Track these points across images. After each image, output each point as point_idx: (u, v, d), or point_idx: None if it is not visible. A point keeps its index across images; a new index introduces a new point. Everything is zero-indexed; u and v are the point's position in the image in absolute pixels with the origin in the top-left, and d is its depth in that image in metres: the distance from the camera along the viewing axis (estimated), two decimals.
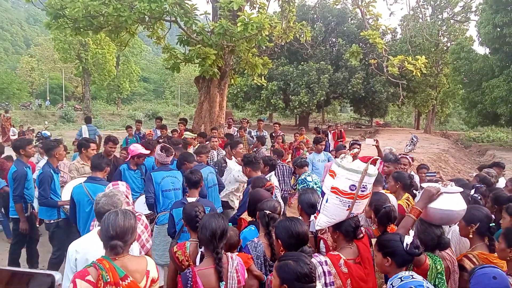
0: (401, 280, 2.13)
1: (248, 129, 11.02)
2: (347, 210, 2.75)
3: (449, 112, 42.41)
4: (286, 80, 31.74)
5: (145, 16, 8.77)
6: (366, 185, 2.75)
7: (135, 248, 2.90)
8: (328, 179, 2.87)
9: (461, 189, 2.87)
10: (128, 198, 3.34)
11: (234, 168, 6.33)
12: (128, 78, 51.04)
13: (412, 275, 2.16)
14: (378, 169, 2.99)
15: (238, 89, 32.68)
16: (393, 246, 2.38)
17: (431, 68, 31.78)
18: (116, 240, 2.30)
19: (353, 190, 2.71)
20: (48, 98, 50.42)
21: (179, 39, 9.89)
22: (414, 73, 10.03)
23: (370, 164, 2.77)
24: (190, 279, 2.48)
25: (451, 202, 2.73)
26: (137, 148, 5.63)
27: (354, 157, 2.94)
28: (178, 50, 10.62)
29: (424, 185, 3.01)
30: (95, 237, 2.78)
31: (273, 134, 10.68)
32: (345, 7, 33.89)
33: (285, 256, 2.18)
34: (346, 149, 7.58)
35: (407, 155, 6.42)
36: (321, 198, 2.90)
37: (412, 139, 19.30)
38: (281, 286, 2.05)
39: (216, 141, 7.83)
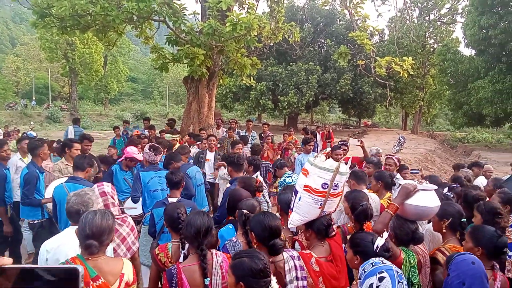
0: (372, 266, 2.23)
1: (237, 130, 11.01)
2: (319, 208, 2.81)
3: (436, 113, 42.97)
4: (275, 81, 31.82)
5: (133, 16, 8.71)
6: (338, 184, 2.82)
7: (109, 249, 2.88)
8: (301, 177, 2.94)
9: (435, 187, 3.00)
10: (113, 198, 3.30)
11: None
12: (116, 78, 50.59)
13: (382, 261, 2.25)
14: (362, 168, 3.05)
15: (227, 90, 32.66)
16: (364, 246, 2.44)
17: (418, 69, 32.17)
18: (92, 239, 2.29)
19: (325, 188, 2.77)
20: (34, 98, 49.74)
21: (167, 39, 9.84)
22: (401, 74, 10.15)
23: (342, 163, 2.85)
24: (175, 275, 2.49)
25: (426, 199, 2.84)
26: (133, 151, 5.67)
27: (328, 156, 3.02)
28: (166, 50, 10.56)
29: (402, 182, 3.08)
30: (67, 236, 2.75)
31: (262, 134, 10.70)
32: (333, 8, 34.12)
33: (238, 254, 2.21)
34: (341, 149, 7.67)
35: (393, 155, 6.50)
36: (294, 197, 2.95)
37: (400, 139, 19.53)
38: (237, 284, 2.05)
39: (206, 142, 7.82)
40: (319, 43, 37.01)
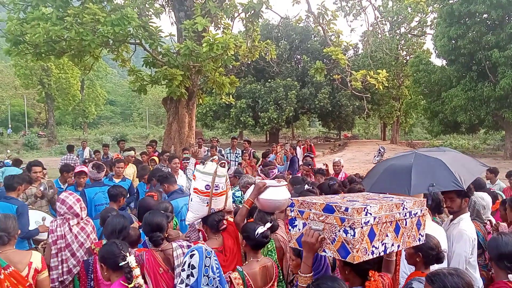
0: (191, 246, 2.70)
1: (218, 148, 11.02)
2: (207, 206, 3.36)
3: (413, 122, 43.84)
4: (255, 98, 32.06)
5: (109, 40, 8.71)
6: (218, 185, 3.40)
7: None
8: (192, 182, 3.52)
9: (285, 183, 3.60)
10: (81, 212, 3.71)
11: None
12: (94, 102, 50.01)
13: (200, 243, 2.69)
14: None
15: (207, 108, 32.70)
16: (249, 232, 2.98)
17: (393, 81, 32.94)
18: (2, 232, 2.92)
19: (208, 189, 3.35)
20: (10, 125, 48.66)
21: (144, 61, 9.85)
22: (376, 87, 10.40)
23: (220, 166, 3.43)
24: (91, 264, 3.15)
25: (275, 193, 3.37)
26: (82, 168, 6.22)
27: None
28: (144, 72, 10.56)
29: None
30: None
31: (244, 151, 10.75)
32: (307, 25, 34.84)
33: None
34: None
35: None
36: (189, 198, 3.53)
37: (380, 150, 19.81)
38: (102, 266, 2.74)
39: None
40: (295, 59, 37.59)
